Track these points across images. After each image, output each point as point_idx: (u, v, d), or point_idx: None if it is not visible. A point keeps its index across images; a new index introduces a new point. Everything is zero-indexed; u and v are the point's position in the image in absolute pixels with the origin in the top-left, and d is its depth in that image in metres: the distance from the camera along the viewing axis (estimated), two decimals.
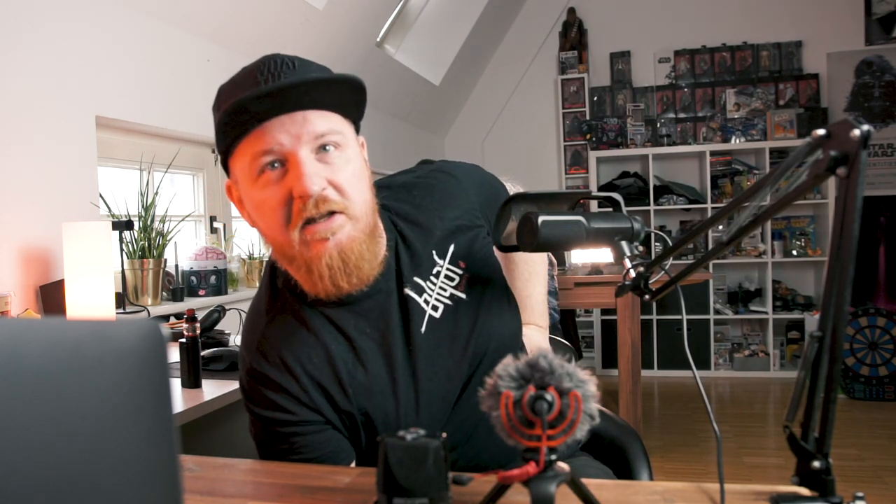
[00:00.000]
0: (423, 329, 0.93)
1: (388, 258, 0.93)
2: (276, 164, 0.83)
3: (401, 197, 1.00)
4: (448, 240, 0.98)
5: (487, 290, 0.99)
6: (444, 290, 0.96)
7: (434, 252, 0.97)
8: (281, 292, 0.94)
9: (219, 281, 2.47)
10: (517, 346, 1.02)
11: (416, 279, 0.95)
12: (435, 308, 0.95)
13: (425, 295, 0.95)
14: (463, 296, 0.96)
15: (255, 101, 0.79)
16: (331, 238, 0.83)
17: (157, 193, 2.29)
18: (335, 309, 0.91)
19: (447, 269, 0.97)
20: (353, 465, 0.92)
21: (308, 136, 0.82)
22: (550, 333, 1.95)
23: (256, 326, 0.93)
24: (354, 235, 0.85)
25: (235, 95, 0.82)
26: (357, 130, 0.92)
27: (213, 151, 2.76)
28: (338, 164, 0.84)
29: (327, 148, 0.84)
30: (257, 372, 0.89)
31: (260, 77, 0.84)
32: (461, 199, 1.02)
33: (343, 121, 0.87)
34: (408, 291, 0.94)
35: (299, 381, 0.88)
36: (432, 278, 0.96)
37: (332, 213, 0.83)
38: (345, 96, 0.86)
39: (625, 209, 0.87)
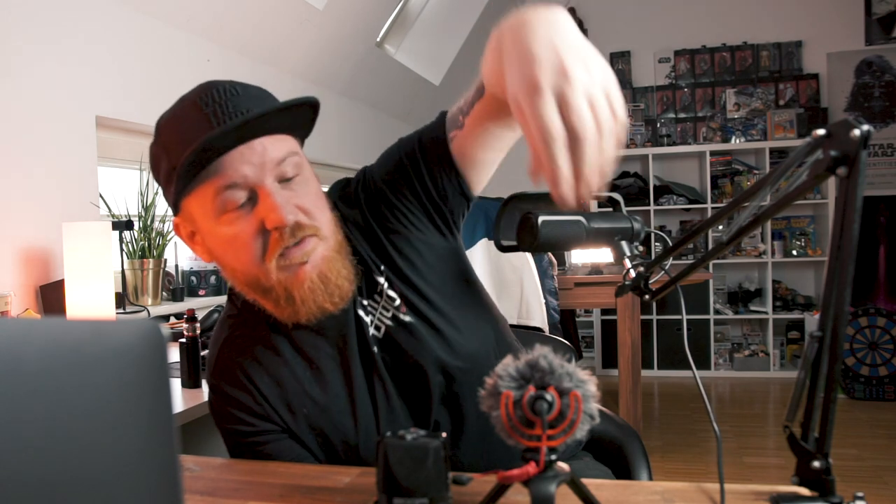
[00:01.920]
0: (375, 349, 0.91)
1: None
2: (241, 197, 0.81)
3: (343, 195, 0.96)
4: (385, 251, 0.92)
5: (436, 306, 0.91)
6: (387, 311, 0.91)
7: (373, 270, 0.92)
8: (241, 311, 0.94)
9: (219, 281, 2.47)
10: (490, 355, 0.94)
11: (361, 299, 0.91)
12: (378, 328, 0.91)
13: (370, 315, 0.91)
14: (407, 318, 0.90)
15: (221, 137, 0.76)
16: (308, 261, 0.83)
17: (157, 193, 2.29)
18: (296, 330, 0.90)
19: (388, 288, 0.91)
20: None
21: (270, 163, 0.81)
22: (550, 333, 1.94)
23: (216, 342, 0.96)
24: (328, 255, 0.85)
25: (184, 131, 0.81)
26: (302, 145, 0.91)
27: None
28: (299, 189, 0.84)
29: (287, 174, 0.83)
30: (216, 387, 0.93)
31: (206, 109, 0.80)
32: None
33: (295, 141, 0.87)
34: (360, 311, 0.91)
35: (253, 396, 0.90)
36: (376, 296, 0.92)
37: (303, 238, 0.82)
38: (302, 118, 0.86)
39: (625, 209, 0.87)
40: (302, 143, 0.91)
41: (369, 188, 0.94)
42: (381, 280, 0.91)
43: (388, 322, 0.91)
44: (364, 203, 0.94)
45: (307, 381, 0.91)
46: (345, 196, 0.96)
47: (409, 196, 0.92)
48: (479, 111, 0.86)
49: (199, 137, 0.77)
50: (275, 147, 0.82)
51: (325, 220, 0.86)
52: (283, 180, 0.83)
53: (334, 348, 0.91)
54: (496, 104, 0.82)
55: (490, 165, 0.96)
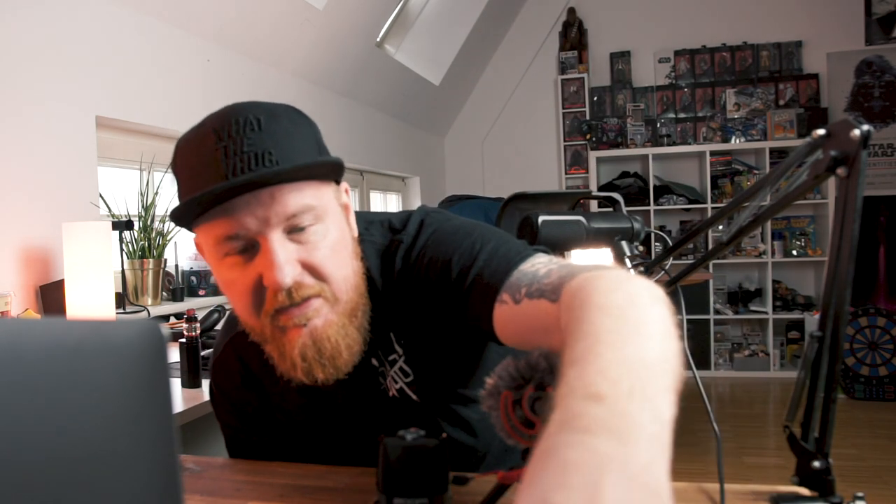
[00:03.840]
0: (373, 407, 0.88)
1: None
2: (243, 247, 0.74)
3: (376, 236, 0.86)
4: (406, 321, 0.84)
5: (447, 397, 0.85)
6: (396, 382, 0.86)
7: (393, 334, 0.85)
8: None
9: None
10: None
11: (379, 352, 0.85)
12: (388, 389, 0.86)
13: (384, 371, 0.86)
14: (414, 397, 0.85)
15: (226, 191, 0.69)
16: (307, 325, 0.74)
17: (157, 193, 2.29)
18: None
19: (404, 362, 0.85)
20: None
21: (277, 217, 0.72)
22: None
23: (226, 333, 0.95)
24: (332, 319, 0.75)
25: (194, 165, 0.74)
26: (338, 182, 0.81)
27: None
28: (313, 240, 0.74)
29: (301, 224, 0.73)
30: (217, 382, 0.94)
31: (219, 144, 0.72)
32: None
33: (319, 186, 0.76)
34: (374, 361, 0.86)
35: (249, 400, 0.92)
36: (388, 363, 0.86)
37: (305, 299, 0.74)
38: (322, 170, 0.76)
39: (625, 209, 0.87)
40: (337, 181, 0.81)
41: (409, 268, 0.83)
42: (400, 351, 0.85)
43: (395, 393, 0.86)
44: (400, 275, 0.83)
45: (297, 408, 0.91)
46: (387, 252, 0.85)
47: (443, 308, 0.80)
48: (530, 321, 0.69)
49: (206, 175, 0.72)
50: (289, 198, 0.72)
51: (339, 277, 0.76)
52: (295, 231, 0.74)
53: (333, 389, 0.85)
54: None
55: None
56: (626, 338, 0.48)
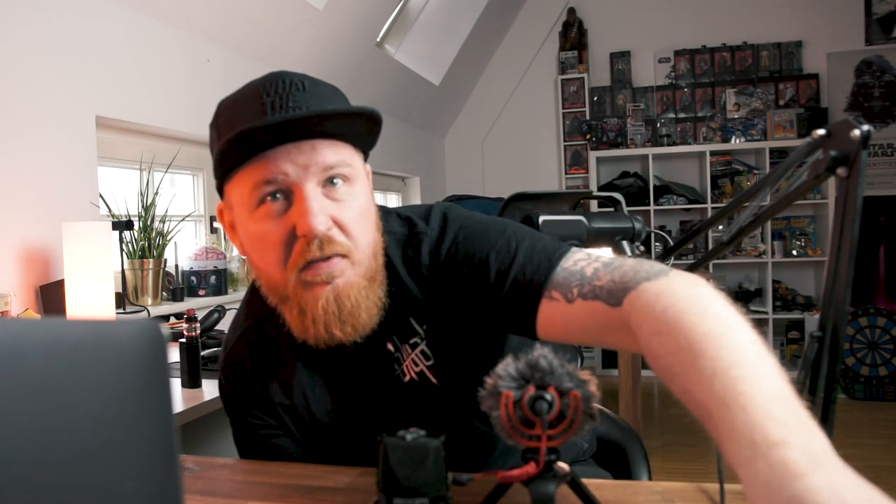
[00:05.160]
0: (391, 392, 0.88)
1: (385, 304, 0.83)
2: (278, 196, 0.76)
3: (397, 227, 0.87)
4: (431, 309, 0.84)
5: (468, 379, 0.82)
6: (416, 365, 0.86)
7: (413, 319, 0.86)
8: (265, 307, 0.87)
9: (219, 281, 2.47)
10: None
11: (395, 337, 0.86)
12: (403, 374, 0.87)
13: (399, 357, 0.87)
14: (434, 381, 0.86)
15: (261, 130, 0.72)
16: (331, 282, 0.77)
17: (157, 193, 2.29)
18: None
19: (425, 345, 0.85)
20: None
21: (316, 167, 0.75)
22: None
23: (236, 327, 0.95)
24: (354, 281, 0.78)
25: (239, 116, 0.77)
26: (366, 158, 0.85)
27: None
28: (345, 200, 0.78)
29: (335, 181, 0.77)
30: (228, 377, 0.93)
31: (266, 99, 0.76)
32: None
33: (353, 151, 0.81)
34: (389, 346, 0.86)
35: (262, 394, 0.91)
36: (408, 347, 0.86)
37: (332, 255, 0.76)
38: (359, 127, 0.79)
39: (625, 209, 0.87)
40: (365, 154, 0.85)
41: (439, 264, 0.84)
42: (420, 332, 0.85)
43: (415, 376, 0.86)
44: (429, 270, 0.84)
45: (313, 397, 0.90)
46: (409, 244, 0.86)
47: (477, 304, 0.81)
48: (599, 323, 0.71)
49: (251, 122, 0.73)
50: (327, 152, 0.76)
51: (363, 241, 0.79)
52: (328, 187, 0.77)
53: (352, 372, 0.88)
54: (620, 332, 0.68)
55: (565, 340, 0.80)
56: (753, 367, 0.51)
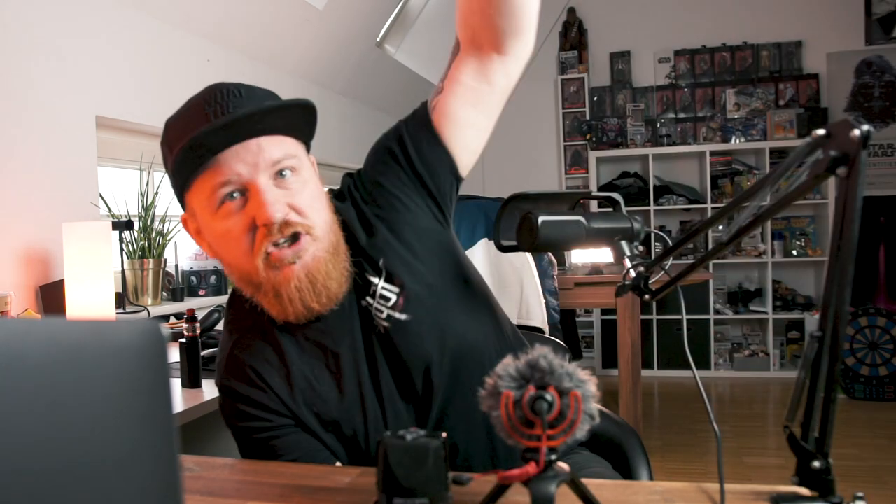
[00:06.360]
0: (378, 343, 0.93)
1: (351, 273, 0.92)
2: (235, 195, 0.84)
3: (338, 195, 0.98)
4: (384, 239, 0.93)
5: (434, 300, 0.93)
6: (381, 312, 0.91)
7: (374, 274, 0.93)
8: (249, 312, 0.94)
9: (219, 281, 2.47)
10: (490, 345, 0.97)
11: (366, 296, 0.93)
12: (381, 329, 0.92)
13: (372, 310, 0.93)
14: (402, 317, 0.91)
15: (210, 134, 0.79)
16: (297, 262, 0.84)
17: (157, 193, 2.29)
18: (304, 327, 0.92)
19: (382, 287, 0.92)
20: (337, 464, 0.93)
21: (265, 163, 0.83)
22: (550, 334, 1.94)
23: (225, 345, 0.97)
24: (319, 255, 0.86)
25: (186, 128, 0.83)
26: (308, 150, 0.93)
27: None
28: (296, 187, 0.86)
29: (284, 173, 0.85)
30: (227, 388, 0.94)
31: (208, 108, 0.84)
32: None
33: (296, 143, 0.88)
34: (362, 303, 0.93)
35: (266, 392, 0.92)
36: (368, 298, 0.92)
37: (296, 237, 0.84)
38: (297, 119, 0.87)
39: (625, 209, 0.87)
40: (306, 145, 0.92)
41: (364, 185, 0.96)
42: (376, 280, 0.92)
43: (385, 323, 0.92)
44: (360, 199, 0.95)
45: (315, 379, 0.92)
46: (339, 195, 0.98)
47: (402, 178, 0.94)
48: (454, 69, 0.92)
49: (196, 132, 0.80)
50: (272, 147, 0.84)
51: (320, 220, 0.87)
52: (279, 179, 0.85)
53: (342, 344, 0.92)
54: (472, 54, 0.88)
55: (473, 129, 0.95)
56: None
